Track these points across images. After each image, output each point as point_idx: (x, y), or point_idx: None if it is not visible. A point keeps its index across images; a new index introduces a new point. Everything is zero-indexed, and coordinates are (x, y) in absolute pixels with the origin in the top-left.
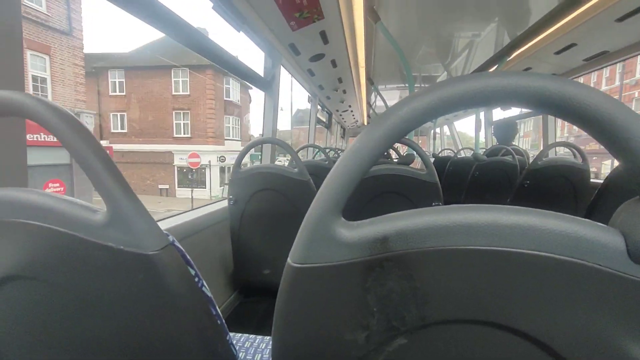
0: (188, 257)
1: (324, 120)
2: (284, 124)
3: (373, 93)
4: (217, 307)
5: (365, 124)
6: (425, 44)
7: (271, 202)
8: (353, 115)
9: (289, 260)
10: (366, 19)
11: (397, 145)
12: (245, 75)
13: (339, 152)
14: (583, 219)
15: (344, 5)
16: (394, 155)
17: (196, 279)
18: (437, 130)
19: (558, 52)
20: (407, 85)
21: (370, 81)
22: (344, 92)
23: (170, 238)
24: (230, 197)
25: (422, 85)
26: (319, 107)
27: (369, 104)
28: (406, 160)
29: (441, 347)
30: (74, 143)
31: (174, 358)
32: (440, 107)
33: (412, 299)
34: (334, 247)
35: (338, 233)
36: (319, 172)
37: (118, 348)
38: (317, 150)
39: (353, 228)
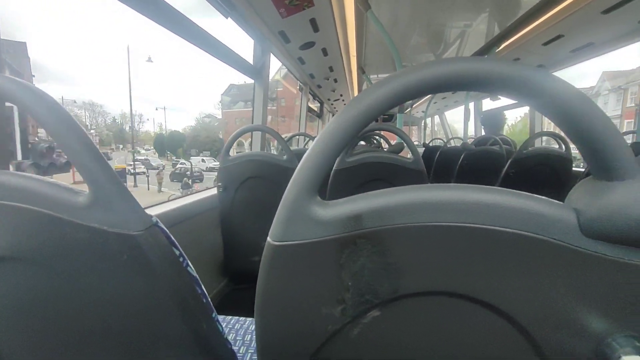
0: (172, 237)
1: (316, 109)
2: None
3: (365, 82)
4: (203, 287)
5: None
6: (416, 34)
7: (261, 190)
8: (344, 104)
9: (268, 238)
10: (356, 6)
11: (387, 134)
12: (234, 62)
13: None
14: (541, 197)
15: None
16: (384, 145)
17: (181, 259)
18: (428, 120)
19: (546, 44)
20: None
21: (361, 70)
22: (335, 81)
23: (154, 219)
24: (219, 184)
25: None
26: (310, 96)
27: None
28: (395, 149)
29: (412, 318)
30: (54, 125)
31: (159, 337)
32: (410, 91)
33: (384, 273)
34: (310, 225)
35: (314, 211)
36: None
37: (103, 328)
38: (308, 139)
39: (328, 207)
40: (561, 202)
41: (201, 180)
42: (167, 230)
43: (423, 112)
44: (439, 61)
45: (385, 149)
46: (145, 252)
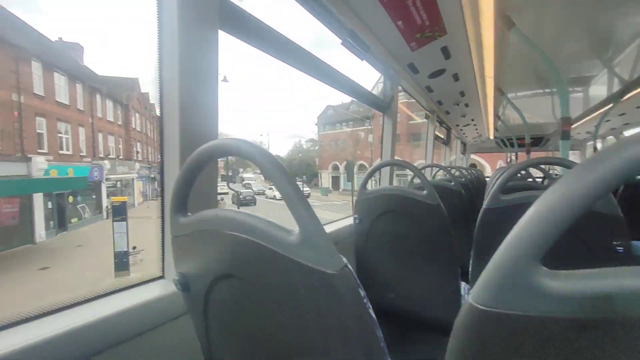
0: (358, 280)
1: (442, 136)
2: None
3: (503, 103)
4: (380, 331)
5: (491, 137)
6: (573, 40)
7: (397, 225)
8: (476, 129)
9: (470, 300)
10: (497, 27)
11: (547, 167)
12: (365, 98)
13: (462, 171)
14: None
15: (469, 18)
16: (539, 175)
17: (365, 300)
18: (598, 143)
19: None
20: (546, 90)
21: (499, 91)
22: (467, 105)
23: (344, 260)
24: (356, 216)
25: (573, 88)
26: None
27: (496, 116)
28: None
29: None
30: (277, 178)
31: None
32: None
33: None
34: (534, 296)
35: (539, 281)
36: (443, 194)
37: (296, 350)
38: (437, 169)
39: (561, 278)
40: None
41: (254, 203)
42: (354, 273)
43: (588, 133)
44: None
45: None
46: (338, 290)
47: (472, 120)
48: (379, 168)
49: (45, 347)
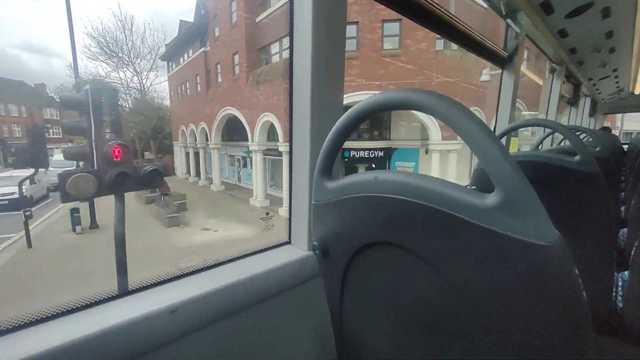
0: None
1: (566, 94)
2: None
3: None
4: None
5: (637, 91)
6: None
7: (544, 200)
8: (617, 82)
9: None
10: None
11: None
12: (481, 50)
13: (593, 136)
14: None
15: None
16: None
17: (579, 282)
18: None
19: None
20: None
21: None
22: (611, 51)
23: (557, 233)
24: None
25: None
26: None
27: None
28: None
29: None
30: (469, 130)
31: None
32: None
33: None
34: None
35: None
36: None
37: (465, 328)
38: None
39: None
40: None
41: None
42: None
43: None
44: None
45: None
46: (550, 268)
47: (615, 70)
48: (512, 130)
49: (188, 306)
